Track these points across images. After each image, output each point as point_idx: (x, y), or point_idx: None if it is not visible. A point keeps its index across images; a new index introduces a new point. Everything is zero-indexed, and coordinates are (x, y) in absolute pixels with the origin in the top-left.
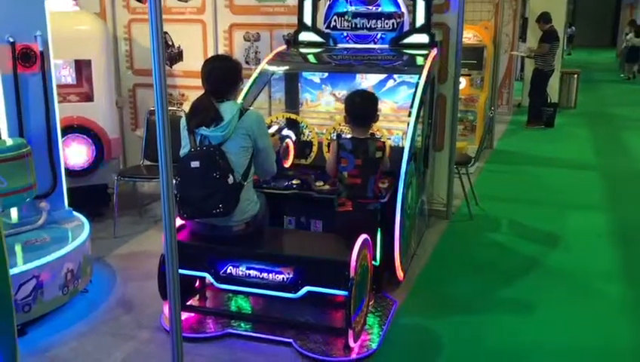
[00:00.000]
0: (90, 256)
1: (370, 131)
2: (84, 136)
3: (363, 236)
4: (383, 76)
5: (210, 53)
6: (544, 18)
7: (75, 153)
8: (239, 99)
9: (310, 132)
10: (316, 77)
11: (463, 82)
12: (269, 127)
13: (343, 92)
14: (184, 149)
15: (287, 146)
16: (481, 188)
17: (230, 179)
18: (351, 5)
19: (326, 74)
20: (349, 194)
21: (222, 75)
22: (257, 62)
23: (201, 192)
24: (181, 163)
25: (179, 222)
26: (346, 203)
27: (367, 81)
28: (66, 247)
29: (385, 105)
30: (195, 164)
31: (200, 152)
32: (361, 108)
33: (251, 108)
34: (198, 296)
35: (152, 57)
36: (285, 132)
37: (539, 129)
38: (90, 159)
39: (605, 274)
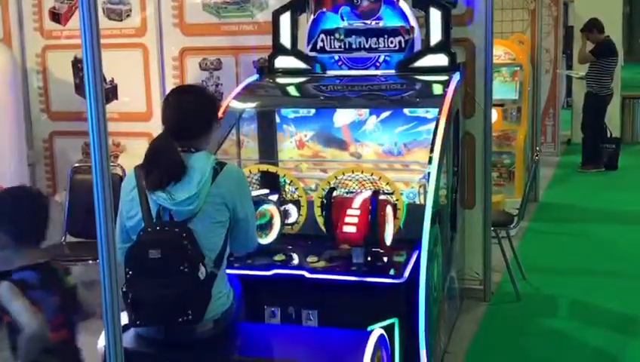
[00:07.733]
0: None
1: (375, 188)
2: None
3: (377, 332)
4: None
5: (155, 89)
6: (597, 26)
7: None
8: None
9: (296, 189)
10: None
11: (495, 115)
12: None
13: (309, 134)
14: (133, 221)
15: (271, 215)
16: (528, 256)
17: (202, 272)
18: (343, 20)
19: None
20: None
21: (194, 109)
22: (220, 97)
23: (163, 292)
24: (134, 249)
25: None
26: None
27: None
28: None
29: (367, 149)
30: (154, 253)
31: (161, 235)
32: None
33: (228, 162)
34: None
35: (87, 92)
36: (264, 194)
37: (597, 172)
38: None
39: None
